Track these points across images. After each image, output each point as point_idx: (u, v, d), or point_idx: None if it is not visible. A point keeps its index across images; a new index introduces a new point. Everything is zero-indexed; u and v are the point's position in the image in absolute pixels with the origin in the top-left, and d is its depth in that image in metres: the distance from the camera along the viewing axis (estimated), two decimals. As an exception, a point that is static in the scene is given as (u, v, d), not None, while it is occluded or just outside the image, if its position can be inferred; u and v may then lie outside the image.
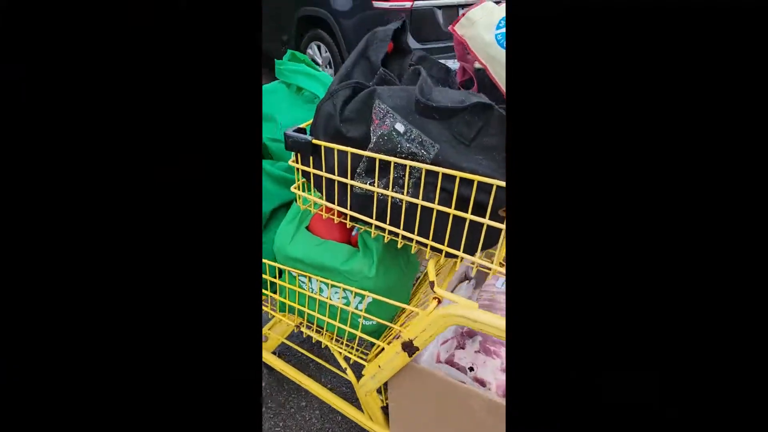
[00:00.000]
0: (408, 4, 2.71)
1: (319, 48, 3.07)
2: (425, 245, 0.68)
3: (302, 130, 0.75)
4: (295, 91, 0.99)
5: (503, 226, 0.62)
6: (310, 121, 0.77)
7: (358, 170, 0.69)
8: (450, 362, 0.87)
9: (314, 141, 0.70)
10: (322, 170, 0.72)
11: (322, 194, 0.75)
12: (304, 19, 3.07)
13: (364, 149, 0.68)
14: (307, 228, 0.86)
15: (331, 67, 3.02)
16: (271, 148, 0.96)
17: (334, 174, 0.71)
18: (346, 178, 0.70)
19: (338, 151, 0.68)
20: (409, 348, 0.72)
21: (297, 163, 0.74)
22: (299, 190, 0.77)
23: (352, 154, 0.67)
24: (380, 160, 0.65)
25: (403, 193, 0.66)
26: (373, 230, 0.74)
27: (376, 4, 2.71)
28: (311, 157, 0.72)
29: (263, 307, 0.95)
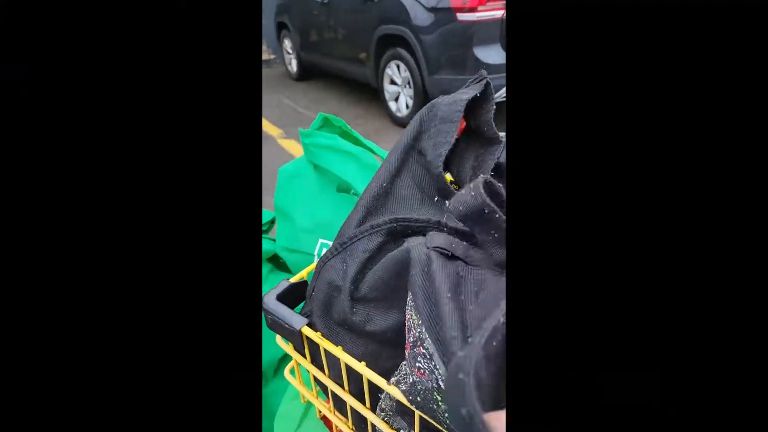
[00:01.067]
0: (499, 14, 2.28)
1: (398, 67, 2.77)
2: None
3: (299, 289, 0.43)
4: (325, 174, 0.67)
5: None
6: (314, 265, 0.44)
7: (382, 405, 0.35)
8: None
9: (306, 331, 0.37)
10: (324, 373, 0.39)
11: (327, 397, 0.42)
12: (383, 38, 2.79)
13: (400, 352, 0.34)
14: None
15: (410, 87, 2.70)
16: (288, 260, 0.65)
17: (342, 387, 0.38)
18: (363, 404, 0.36)
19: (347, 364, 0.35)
20: None
21: (286, 344, 0.42)
22: (293, 376, 0.45)
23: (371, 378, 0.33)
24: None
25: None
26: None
27: (461, 17, 2.32)
28: (306, 348, 0.39)
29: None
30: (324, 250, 0.63)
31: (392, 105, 2.91)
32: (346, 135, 0.72)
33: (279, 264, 0.68)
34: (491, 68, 2.36)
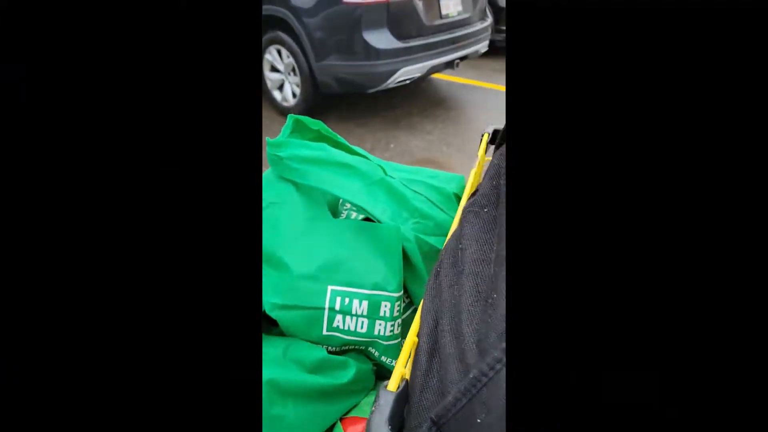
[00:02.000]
0: (385, -4, 2.19)
1: (279, 53, 2.49)
2: None
3: (404, 399, 0.27)
4: (313, 197, 0.49)
5: None
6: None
7: None
8: None
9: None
10: None
11: None
12: (257, 19, 2.47)
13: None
14: None
15: (295, 74, 2.46)
16: (284, 321, 0.47)
17: None
18: None
19: None
20: None
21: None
22: None
23: None
24: None
25: None
26: None
27: (346, -1, 2.17)
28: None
29: None
30: (339, 300, 0.46)
31: (276, 94, 2.63)
32: (325, 140, 0.54)
33: (268, 329, 0.49)
34: (381, 53, 2.27)
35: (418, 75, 2.46)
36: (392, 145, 2.36)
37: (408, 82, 2.48)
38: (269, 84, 2.62)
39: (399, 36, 2.30)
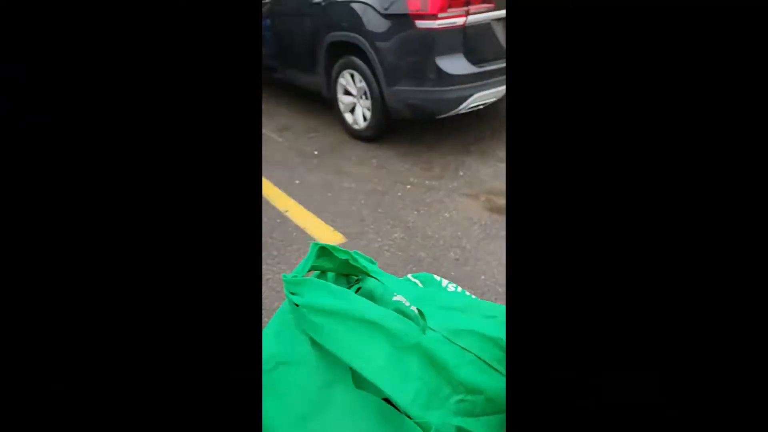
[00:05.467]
0: (460, 21, 2.03)
1: (352, 77, 2.45)
2: None
3: None
4: (333, 361, 0.38)
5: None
6: None
7: None
8: None
9: None
10: None
11: None
12: (333, 45, 2.45)
13: None
14: None
15: (366, 98, 2.40)
16: None
17: None
18: None
19: None
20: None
21: None
22: None
23: None
24: None
25: None
26: None
27: (420, 24, 2.05)
28: None
29: None
30: None
31: (348, 117, 2.59)
32: (354, 270, 0.43)
33: None
34: (454, 79, 2.12)
35: (492, 100, 2.26)
36: (461, 173, 2.19)
37: (482, 107, 2.29)
38: (342, 107, 2.59)
39: (475, 60, 2.13)
